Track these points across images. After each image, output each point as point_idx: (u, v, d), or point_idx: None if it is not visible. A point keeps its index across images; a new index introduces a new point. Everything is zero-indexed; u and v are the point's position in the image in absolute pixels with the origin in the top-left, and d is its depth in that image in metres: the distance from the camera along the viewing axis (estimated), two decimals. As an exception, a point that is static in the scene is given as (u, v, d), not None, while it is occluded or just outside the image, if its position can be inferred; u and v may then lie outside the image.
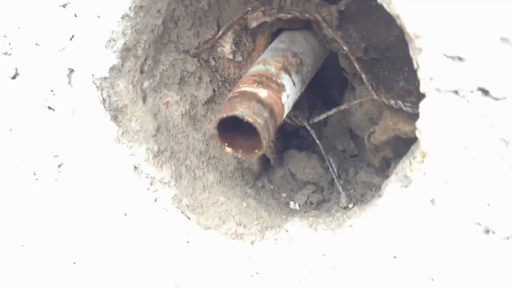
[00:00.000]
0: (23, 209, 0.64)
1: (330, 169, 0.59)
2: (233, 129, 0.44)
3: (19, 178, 0.60)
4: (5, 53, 0.50)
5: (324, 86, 0.63)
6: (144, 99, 0.53)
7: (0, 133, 0.57)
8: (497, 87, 0.36)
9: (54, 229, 0.64)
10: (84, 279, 0.65)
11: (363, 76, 0.49)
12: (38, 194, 0.61)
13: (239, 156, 0.44)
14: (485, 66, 0.35)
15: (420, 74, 0.38)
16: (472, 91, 0.37)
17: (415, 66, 0.38)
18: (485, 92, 0.36)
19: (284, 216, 0.56)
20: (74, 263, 0.66)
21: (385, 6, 0.36)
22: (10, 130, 0.57)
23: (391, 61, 0.51)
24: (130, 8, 0.44)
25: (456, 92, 0.37)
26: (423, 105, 0.39)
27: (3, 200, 0.64)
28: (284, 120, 0.48)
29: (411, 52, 0.38)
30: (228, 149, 0.44)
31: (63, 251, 0.65)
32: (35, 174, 0.59)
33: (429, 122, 0.40)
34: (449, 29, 0.35)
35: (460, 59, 0.36)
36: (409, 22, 0.36)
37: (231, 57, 0.54)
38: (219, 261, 0.57)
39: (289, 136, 0.66)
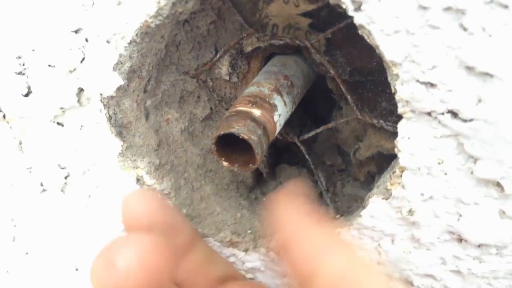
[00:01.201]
0: (29, 217, 0.68)
1: (319, 183, 0.63)
2: (230, 145, 0.48)
3: (27, 188, 0.63)
4: (19, 73, 0.54)
5: (314, 106, 0.67)
6: (147, 116, 0.56)
7: (10, 146, 0.61)
8: (465, 110, 0.40)
9: (58, 236, 0.68)
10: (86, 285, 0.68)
11: (348, 97, 0.53)
12: (45, 204, 0.65)
13: (235, 169, 0.48)
14: (453, 92, 0.40)
15: (397, 98, 0.42)
16: (443, 113, 0.41)
17: (393, 90, 0.42)
18: (454, 114, 0.41)
19: (276, 226, 0.60)
20: (77, 269, 0.70)
21: (365, 37, 0.41)
22: (20, 143, 0.60)
23: (374, 84, 0.55)
24: (137, 34, 0.48)
25: (429, 114, 0.42)
26: (400, 125, 0.44)
27: (10, 208, 0.68)
28: (276, 136, 0.52)
29: (389, 78, 0.42)
30: (225, 163, 0.48)
31: (67, 258, 0.69)
32: (42, 185, 0.63)
33: (406, 141, 0.44)
34: (422, 58, 0.40)
35: (432, 85, 0.40)
36: (386, 52, 0.40)
37: (227, 78, 0.58)
38: (215, 268, 0.60)
39: (281, 152, 0.70)
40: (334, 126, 0.60)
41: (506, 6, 0.35)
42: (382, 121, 0.53)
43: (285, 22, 0.54)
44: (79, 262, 0.69)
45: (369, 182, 0.62)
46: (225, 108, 0.61)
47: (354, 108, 0.54)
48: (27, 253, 0.71)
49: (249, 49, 0.55)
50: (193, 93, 0.60)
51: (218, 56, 0.57)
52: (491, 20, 0.36)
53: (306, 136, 0.59)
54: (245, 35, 0.54)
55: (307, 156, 0.60)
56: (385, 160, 0.55)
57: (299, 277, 0.39)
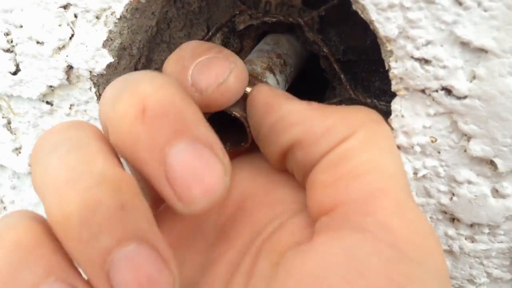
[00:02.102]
0: (18, 198, 0.67)
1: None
2: (223, 125, 0.47)
3: (16, 169, 0.63)
4: (7, 50, 0.53)
5: (307, 85, 0.66)
6: (138, 95, 0.56)
7: (-1, 126, 0.60)
8: (459, 87, 0.40)
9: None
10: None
11: (342, 76, 0.53)
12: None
13: (227, 148, 0.47)
14: (447, 68, 0.39)
15: (391, 75, 0.42)
16: (437, 91, 0.41)
17: (386, 67, 0.42)
18: (448, 91, 0.40)
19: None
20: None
21: (360, 12, 0.40)
22: (9, 123, 0.60)
23: (367, 63, 0.54)
24: (127, 10, 0.47)
25: (423, 91, 0.41)
26: (394, 103, 0.43)
27: None
28: (269, 116, 0.51)
29: (383, 55, 0.42)
30: (217, 142, 0.47)
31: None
32: (30, 166, 0.62)
33: (399, 118, 0.44)
34: (416, 34, 0.39)
35: (426, 61, 0.40)
36: (381, 27, 0.40)
37: (219, 57, 0.58)
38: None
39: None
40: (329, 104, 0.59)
41: (502, -20, 0.35)
42: (375, 100, 0.52)
43: (278, 0, 0.53)
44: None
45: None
46: (217, 88, 0.60)
47: (347, 87, 0.53)
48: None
49: (241, 27, 0.54)
50: (184, 72, 0.59)
51: (210, 34, 0.56)
52: (487, -6, 0.36)
53: (299, 116, 0.58)
54: (238, 12, 0.54)
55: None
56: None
57: None
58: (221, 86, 0.34)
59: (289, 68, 0.53)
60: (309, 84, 0.67)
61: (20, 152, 0.61)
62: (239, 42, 0.57)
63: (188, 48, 0.38)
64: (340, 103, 0.60)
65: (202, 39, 0.56)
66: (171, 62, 0.38)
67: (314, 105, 0.37)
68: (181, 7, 0.54)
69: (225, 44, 0.57)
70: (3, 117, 0.59)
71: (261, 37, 0.56)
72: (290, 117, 0.36)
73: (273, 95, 0.39)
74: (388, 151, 0.36)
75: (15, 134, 0.60)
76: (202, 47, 0.37)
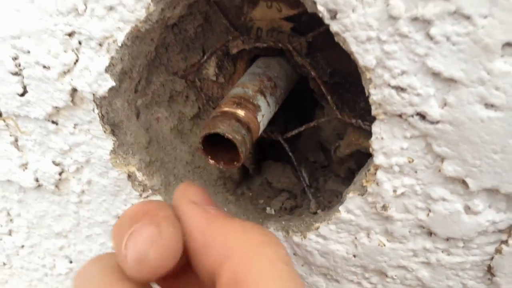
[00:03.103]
0: (25, 212, 0.70)
1: (302, 179, 0.66)
2: (216, 144, 0.51)
3: (23, 184, 0.66)
4: (15, 73, 0.56)
5: (298, 104, 0.70)
6: (138, 115, 0.59)
7: (7, 144, 0.63)
8: (431, 113, 0.43)
9: (52, 229, 0.70)
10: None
11: (329, 97, 0.56)
12: (40, 198, 0.68)
13: (221, 167, 0.51)
14: (421, 96, 0.43)
15: (371, 100, 0.45)
16: (412, 116, 0.44)
17: (366, 93, 0.45)
18: (422, 116, 0.44)
19: (260, 220, 0.63)
20: (71, 261, 0.73)
21: (341, 44, 0.44)
22: (16, 140, 0.63)
23: (353, 85, 0.58)
24: (128, 38, 0.50)
25: (400, 116, 0.45)
26: (374, 126, 0.47)
27: (7, 203, 0.70)
28: (261, 134, 0.55)
29: (363, 82, 0.45)
30: (212, 161, 0.51)
31: (61, 250, 0.72)
32: (37, 180, 0.65)
33: (379, 140, 0.47)
34: (392, 64, 0.42)
35: (402, 89, 0.43)
36: (360, 58, 0.43)
37: (214, 79, 0.61)
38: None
39: (267, 148, 0.73)
40: (317, 125, 0.63)
41: (468, 17, 0.38)
42: (360, 121, 0.56)
43: (268, 26, 0.57)
44: (73, 254, 0.72)
45: (350, 178, 0.65)
46: (213, 107, 0.63)
47: (334, 108, 0.57)
48: (22, 246, 0.74)
49: (234, 51, 0.58)
50: (182, 93, 0.62)
51: (205, 57, 0.59)
52: (454, 30, 0.39)
53: (289, 135, 0.62)
54: (231, 37, 0.57)
55: (290, 154, 0.63)
56: (364, 157, 0.57)
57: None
58: (141, 262, 0.34)
59: (279, 90, 0.57)
60: (301, 103, 0.70)
61: (26, 168, 0.65)
62: (232, 64, 0.60)
63: (126, 216, 0.37)
64: (328, 122, 0.63)
65: (198, 62, 0.60)
66: (115, 231, 0.37)
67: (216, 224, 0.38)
68: (178, 33, 0.58)
69: (220, 66, 0.60)
70: (10, 135, 0.62)
71: (253, 60, 0.60)
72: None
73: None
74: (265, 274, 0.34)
75: (21, 151, 0.63)
76: (137, 215, 0.37)
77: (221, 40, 0.58)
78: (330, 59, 0.57)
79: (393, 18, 0.40)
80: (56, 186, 0.65)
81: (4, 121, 0.61)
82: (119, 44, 0.50)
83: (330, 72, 0.57)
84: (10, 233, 0.74)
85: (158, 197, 0.60)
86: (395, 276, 0.55)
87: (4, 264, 0.78)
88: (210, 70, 0.60)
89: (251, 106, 0.52)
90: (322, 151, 0.71)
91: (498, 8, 0.37)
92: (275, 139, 0.63)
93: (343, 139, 0.62)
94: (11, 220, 0.72)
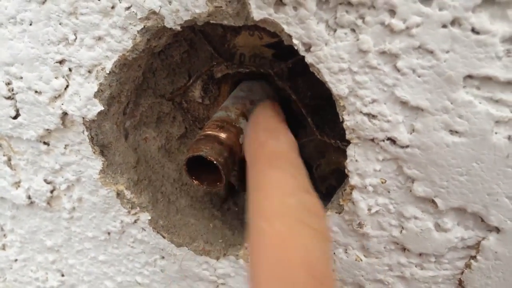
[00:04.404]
0: (17, 227, 0.73)
1: (285, 195, 0.68)
2: (200, 165, 0.53)
3: (16, 201, 0.68)
4: (9, 97, 0.59)
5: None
6: (126, 136, 0.62)
7: (0, 163, 0.65)
8: (401, 138, 0.46)
9: (44, 244, 0.73)
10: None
11: (309, 119, 0.59)
12: (32, 215, 0.70)
13: (204, 187, 0.53)
14: (391, 122, 0.46)
15: (345, 126, 0.48)
16: (383, 140, 0.47)
17: (341, 119, 0.48)
18: (393, 141, 0.47)
19: (245, 235, 0.66)
20: (62, 275, 0.75)
21: (316, 74, 0.47)
22: (9, 160, 0.65)
23: (333, 106, 0.61)
24: (115, 66, 0.53)
25: (372, 140, 0.48)
26: (349, 149, 0.50)
27: (0, 219, 0.72)
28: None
29: (337, 109, 0.48)
30: (196, 182, 0.53)
31: (53, 264, 0.74)
32: (29, 197, 0.68)
33: (354, 163, 0.50)
34: (363, 93, 0.45)
35: (373, 116, 0.46)
36: (334, 87, 0.46)
37: (200, 100, 0.64)
38: (190, 273, 0.66)
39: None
40: (299, 143, 0.65)
41: (431, 52, 0.41)
42: (338, 142, 0.58)
43: (251, 52, 0.59)
44: (65, 268, 0.74)
45: (331, 193, 0.68)
46: (199, 127, 0.66)
47: (314, 129, 0.59)
48: (16, 260, 0.76)
49: (219, 75, 0.60)
50: (169, 114, 0.65)
51: (191, 81, 0.62)
52: (419, 63, 0.42)
53: (272, 153, 0.64)
54: (215, 63, 0.60)
55: (273, 171, 0.65)
56: (344, 175, 0.60)
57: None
58: None
59: (261, 113, 0.59)
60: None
61: (19, 186, 0.67)
62: (217, 88, 0.63)
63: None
64: (309, 142, 0.66)
65: (184, 85, 0.62)
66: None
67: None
68: (165, 58, 0.60)
69: (205, 89, 0.63)
70: (4, 155, 0.65)
71: (237, 83, 0.63)
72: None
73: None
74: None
75: (15, 170, 0.66)
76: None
77: (206, 65, 0.61)
78: (310, 83, 0.60)
79: (363, 52, 0.43)
80: (48, 203, 0.67)
81: (-2, 142, 0.64)
82: (107, 72, 0.53)
83: (310, 95, 0.60)
84: (3, 247, 0.76)
85: (146, 214, 0.63)
86: (372, 289, 0.58)
87: (-2, 278, 0.81)
88: (196, 92, 0.63)
89: (233, 129, 0.55)
90: (305, 166, 0.74)
91: (459, 44, 0.40)
92: (259, 157, 0.65)
93: (324, 157, 0.65)
94: (4, 235, 0.74)
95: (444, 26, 0.40)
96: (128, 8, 0.49)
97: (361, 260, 0.56)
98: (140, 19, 0.49)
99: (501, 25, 0.39)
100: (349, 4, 0.42)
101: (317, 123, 0.61)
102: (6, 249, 0.76)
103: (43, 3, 0.52)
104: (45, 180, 0.65)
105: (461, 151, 0.45)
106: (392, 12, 0.41)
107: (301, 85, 0.60)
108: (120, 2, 0.49)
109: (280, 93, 0.62)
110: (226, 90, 0.63)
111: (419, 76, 0.43)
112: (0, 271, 0.79)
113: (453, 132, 0.44)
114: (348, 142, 0.56)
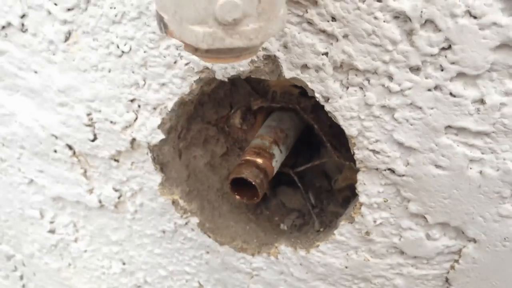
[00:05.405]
0: (89, 225, 0.88)
1: (307, 202, 0.82)
2: (241, 184, 0.68)
3: (89, 204, 0.84)
4: (88, 125, 0.74)
5: (308, 141, 0.86)
6: (180, 156, 0.76)
7: (77, 175, 0.81)
8: (398, 169, 0.59)
9: (112, 240, 0.88)
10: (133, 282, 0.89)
11: (328, 145, 0.72)
12: (102, 215, 0.86)
13: (244, 201, 0.68)
14: (390, 157, 0.59)
15: (355, 158, 0.62)
16: (385, 170, 0.60)
17: (352, 153, 0.62)
18: (392, 171, 0.60)
19: (275, 236, 0.80)
20: (124, 263, 0.91)
21: (333, 118, 0.60)
22: (85, 172, 0.81)
23: (348, 133, 0.74)
24: (175, 104, 0.67)
25: (376, 169, 0.61)
26: (358, 175, 0.63)
27: (76, 218, 0.88)
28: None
29: (349, 145, 0.62)
30: (238, 197, 0.68)
31: (116, 255, 0.90)
32: (100, 202, 0.83)
33: (362, 185, 0.64)
34: (369, 135, 0.59)
35: (376, 152, 0.60)
36: (346, 129, 0.59)
37: (239, 126, 0.78)
38: (230, 266, 0.81)
39: (281, 176, 0.90)
40: (322, 161, 0.79)
41: (420, 108, 0.54)
42: (352, 163, 0.72)
43: (281, 90, 0.73)
44: (126, 258, 0.90)
45: (347, 202, 0.82)
46: (238, 147, 0.80)
47: (332, 152, 0.73)
48: (85, 251, 0.92)
49: (255, 107, 0.74)
50: (214, 137, 0.79)
51: (232, 111, 0.76)
52: (411, 115, 0.55)
53: (299, 169, 0.79)
54: (252, 98, 0.74)
55: (298, 184, 0.79)
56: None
57: None
58: None
59: (289, 140, 0.73)
60: (309, 141, 0.86)
61: (92, 192, 0.83)
62: (253, 117, 0.77)
63: None
64: (329, 160, 0.80)
65: (227, 114, 0.77)
66: None
67: None
68: (212, 94, 0.75)
69: (244, 118, 0.77)
70: (81, 168, 0.80)
71: (270, 113, 0.77)
72: None
73: None
74: None
75: (89, 180, 0.81)
76: None
77: (245, 100, 0.75)
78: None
79: (369, 105, 0.57)
80: (115, 206, 0.83)
81: (77, 157, 0.79)
82: (169, 109, 0.67)
83: (329, 124, 0.74)
84: (76, 240, 0.93)
85: (195, 218, 0.78)
86: (377, 283, 0.71)
87: (69, 264, 0.97)
88: (236, 120, 0.77)
89: (267, 155, 0.69)
90: (326, 178, 0.87)
91: (440, 103, 0.53)
92: (287, 172, 0.79)
93: (341, 173, 0.78)
94: (77, 230, 0.90)
95: (429, 90, 0.53)
96: (187, 63, 0.63)
97: (369, 260, 0.70)
98: (196, 72, 0.63)
99: (472, 90, 0.52)
100: (357, 70, 0.55)
101: (335, 146, 0.74)
102: (77, 242, 0.92)
103: (120, 56, 0.66)
104: (113, 188, 0.80)
105: (444, 181, 0.58)
106: (390, 77, 0.54)
107: (322, 117, 0.74)
108: (181, 59, 0.63)
109: (305, 122, 0.75)
110: (261, 119, 0.77)
111: (411, 125, 0.56)
112: (72, 260, 0.96)
113: (438, 166, 0.57)
114: (358, 169, 0.69)
